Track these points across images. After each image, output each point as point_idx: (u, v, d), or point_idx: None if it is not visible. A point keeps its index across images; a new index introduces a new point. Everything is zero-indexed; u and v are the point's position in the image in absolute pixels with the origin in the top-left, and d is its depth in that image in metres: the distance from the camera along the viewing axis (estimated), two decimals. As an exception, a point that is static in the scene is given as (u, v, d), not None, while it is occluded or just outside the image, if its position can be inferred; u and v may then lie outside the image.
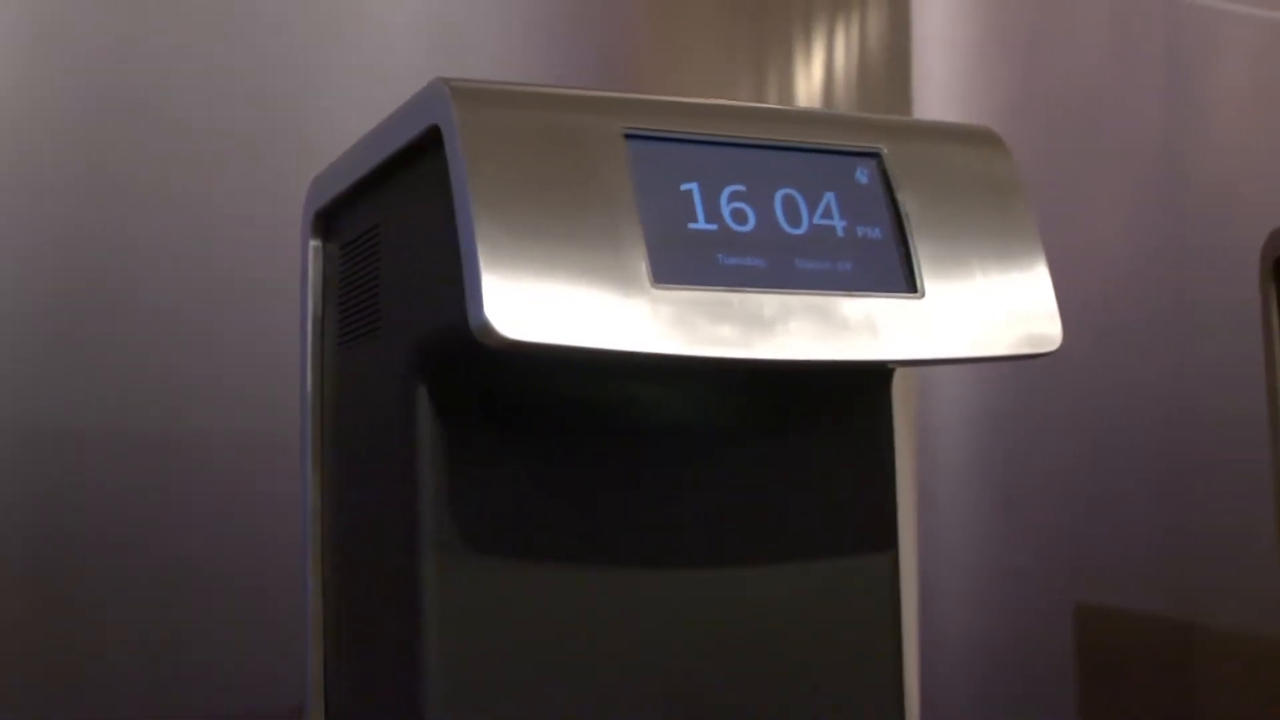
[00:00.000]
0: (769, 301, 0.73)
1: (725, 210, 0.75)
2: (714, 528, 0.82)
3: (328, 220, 0.91)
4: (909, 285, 0.78)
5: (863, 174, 0.79)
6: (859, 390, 0.87)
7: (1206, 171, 1.67)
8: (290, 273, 0.94)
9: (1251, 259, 1.21)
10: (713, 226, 0.74)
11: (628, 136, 0.74)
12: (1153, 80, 1.67)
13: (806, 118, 0.83)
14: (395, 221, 0.81)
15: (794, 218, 0.76)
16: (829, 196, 0.78)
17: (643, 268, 0.71)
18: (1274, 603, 1.26)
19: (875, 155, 0.80)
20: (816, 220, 0.77)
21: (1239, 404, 1.38)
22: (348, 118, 0.97)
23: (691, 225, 0.74)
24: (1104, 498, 1.59)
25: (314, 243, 0.91)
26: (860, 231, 0.78)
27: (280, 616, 1.03)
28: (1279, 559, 1.20)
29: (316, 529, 0.90)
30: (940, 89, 1.57)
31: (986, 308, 0.79)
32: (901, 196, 0.79)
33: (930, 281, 0.78)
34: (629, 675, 0.79)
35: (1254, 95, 1.72)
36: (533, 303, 0.68)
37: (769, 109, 0.84)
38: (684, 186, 0.74)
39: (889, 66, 1.48)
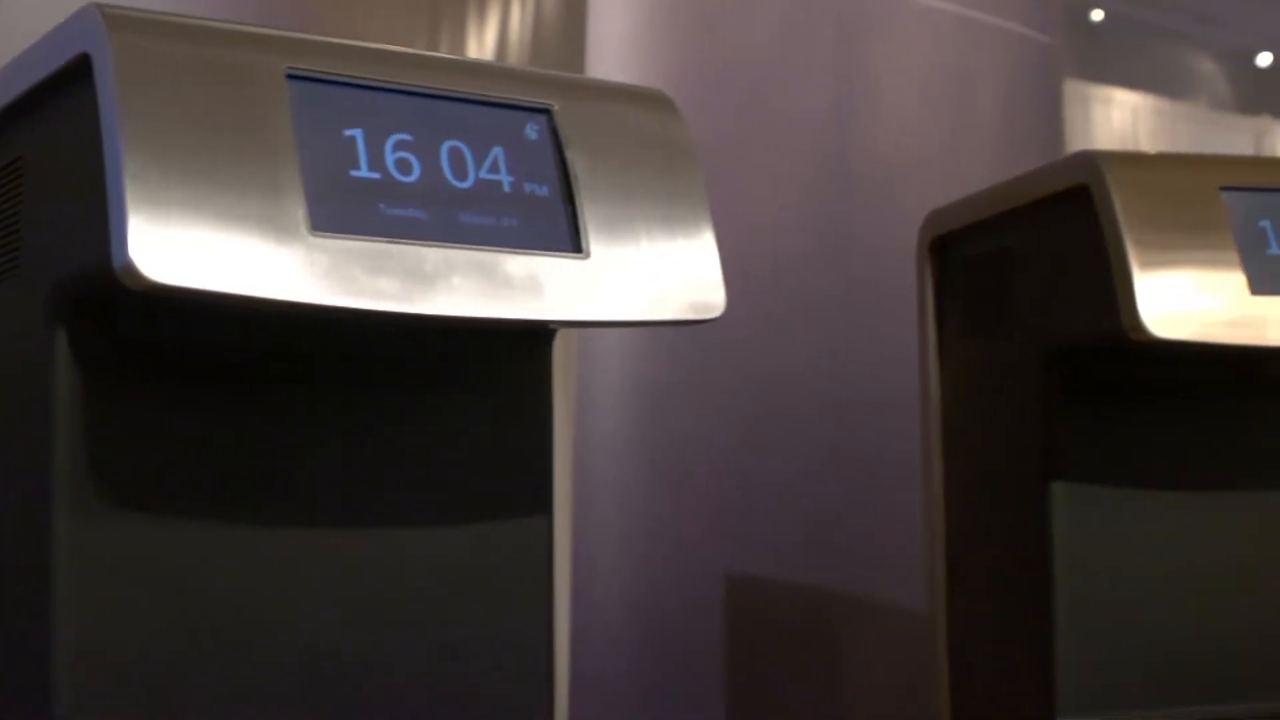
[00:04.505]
0: (431, 255, 0.72)
1: (389, 159, 0.73)
2: (367, 485, 0.80)
3: (-36, 152, 0.86)
4: (574, 245, 0.77)
5: (533, 130, 0.78)
6: (519, 350, 0.86)
7: (873, 151, 1.71)
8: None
9: (913, 239, 1.24)
10: (376, 175, 0.72)
11: (290, 77, 0.71)
12: (823, 59, 1.70)
13: (478, 69, 0.82)
14: (39, 155, 0.77)
15: (460, 170, 0.75)
16: (497, 151, 0.76)
17: (300, 214, 0.69)
18: (915, 574, 1.29)
19: (546, 111, 0.79)
20: (483, 174, 0.76)
21: (897, 383, 1.41)
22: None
23: (353, 173, 0.72)
24: (762, 472, 1.62)
25: (-52, 175, 0.86)
26: (528, 188, 0.77)
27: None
28: (924, 533, 1.23)
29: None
30: (614, 53, 1.57)
31: (651, 272, 0.79)
32: (571, 155, 0.78)
33: (596, 243, 0.77)
34: (278, 636, 0.77)
35: (919, 79, 1.76)
36: (181, 246, 0.65)
37: (440, 58, 0.82)
38: (347, 132, 0.72)
39: (564, 27, 1.47)
